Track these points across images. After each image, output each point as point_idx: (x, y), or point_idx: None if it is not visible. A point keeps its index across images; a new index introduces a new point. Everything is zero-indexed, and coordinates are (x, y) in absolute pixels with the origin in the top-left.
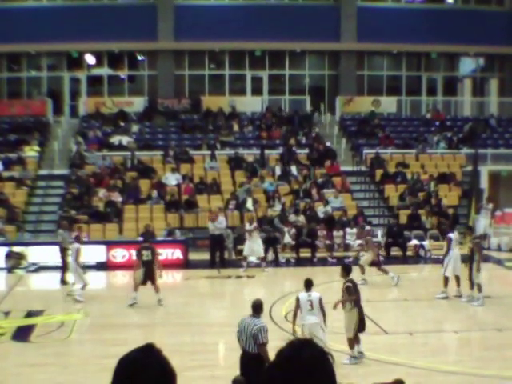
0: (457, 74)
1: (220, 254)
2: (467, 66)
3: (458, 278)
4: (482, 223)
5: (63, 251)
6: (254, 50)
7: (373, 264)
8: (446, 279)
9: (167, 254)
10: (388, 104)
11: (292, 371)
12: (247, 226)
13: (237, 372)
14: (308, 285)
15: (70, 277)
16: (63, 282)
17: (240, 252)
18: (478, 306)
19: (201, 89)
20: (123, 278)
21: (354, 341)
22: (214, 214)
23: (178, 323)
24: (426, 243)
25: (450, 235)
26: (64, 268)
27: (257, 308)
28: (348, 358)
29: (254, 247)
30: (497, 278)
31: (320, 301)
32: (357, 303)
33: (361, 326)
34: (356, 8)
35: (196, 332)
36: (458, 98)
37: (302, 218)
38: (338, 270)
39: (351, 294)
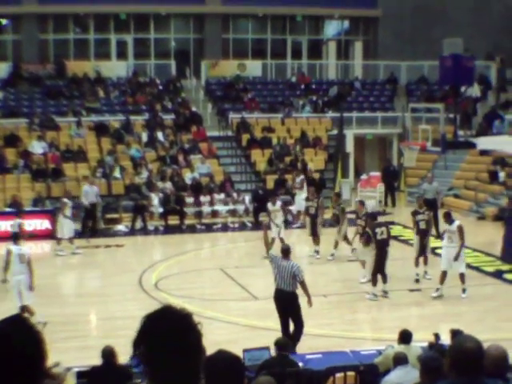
0: (322, 37)
1: (92, 223)
2: (332, 28)
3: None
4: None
5: None
6: (119, 14)
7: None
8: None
9: (35, 224)
10: (253, 68)
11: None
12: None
13: (109, 341)
14: None
15: None
16: None
17: (109, 221)
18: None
19: (65, 54)
20: None
21: None
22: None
23: (48, 294)
24: (293, 208)
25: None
26: None
27: (287, 252)
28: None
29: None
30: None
31: None
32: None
33: None
34: None
35: (66, 303)
36: (323, 61)
37: (169, 185)
38: (206, 236)
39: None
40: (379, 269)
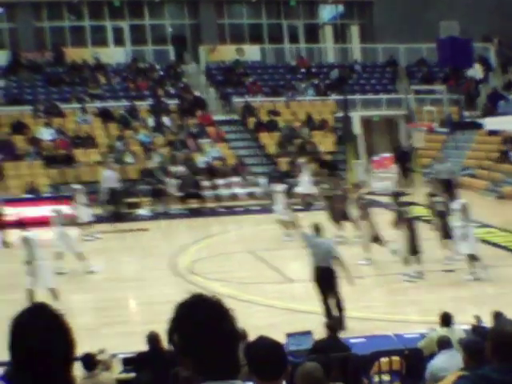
0: (317, 21)
1: (116, 207)
2: (327, 13)
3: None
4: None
5: None
6: (113, 1)
7: None
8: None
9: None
10: (252, 52)
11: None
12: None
13: (151, 327)
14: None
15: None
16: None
17: (130, 205)
18: None
19: (62, 41)
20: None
21: None
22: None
23: (81, 280)
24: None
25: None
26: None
27: (319, 228)
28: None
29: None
30: (385, 222)
31: None
32: None
33: None
34: None
35: (105, 288)
36: (321, 44)
37: (182, 169)
38: (229, 219)
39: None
40: (413, 249)
